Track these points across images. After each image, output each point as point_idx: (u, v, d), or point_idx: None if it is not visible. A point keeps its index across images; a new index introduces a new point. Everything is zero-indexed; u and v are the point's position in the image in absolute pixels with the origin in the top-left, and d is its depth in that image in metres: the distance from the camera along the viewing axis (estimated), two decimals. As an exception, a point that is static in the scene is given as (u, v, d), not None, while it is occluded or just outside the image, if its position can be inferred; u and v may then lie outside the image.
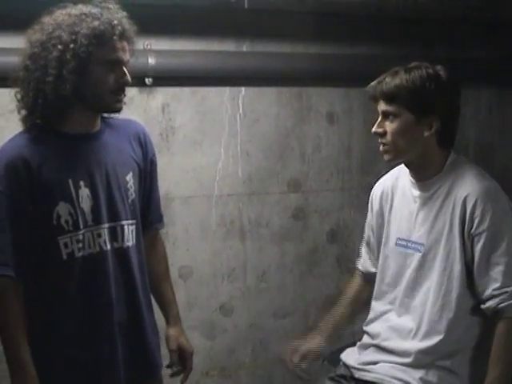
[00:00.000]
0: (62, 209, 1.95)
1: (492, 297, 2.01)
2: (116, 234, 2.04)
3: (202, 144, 3.18)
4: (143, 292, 2.11)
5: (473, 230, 2.02)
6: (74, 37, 1.90)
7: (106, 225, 2.02)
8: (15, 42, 2.72)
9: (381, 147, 2.13)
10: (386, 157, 2.13)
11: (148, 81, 2.95)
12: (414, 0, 3.20)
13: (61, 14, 1.96)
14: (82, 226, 1.97)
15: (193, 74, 3.12)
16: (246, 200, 3.31)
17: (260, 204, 3.35)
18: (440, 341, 2.05)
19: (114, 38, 1.94)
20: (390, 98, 2.06)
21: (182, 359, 2.25)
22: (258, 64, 3.22)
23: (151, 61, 2.89)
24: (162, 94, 3.08)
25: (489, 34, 3.62)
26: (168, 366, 2.26)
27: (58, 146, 1.98)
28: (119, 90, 2.00)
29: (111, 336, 2.03)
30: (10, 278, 1.92)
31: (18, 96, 2.01)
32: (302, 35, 3.31)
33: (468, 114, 3.74)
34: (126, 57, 2.00)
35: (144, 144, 2.16)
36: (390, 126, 2.07)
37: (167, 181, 3.00)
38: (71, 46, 1.90)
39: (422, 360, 2.07)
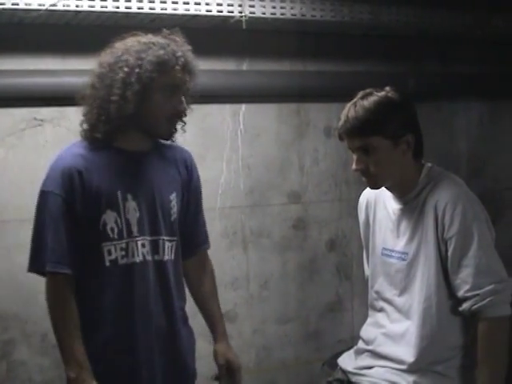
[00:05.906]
0: (109, 217, 2.04)
1: (465, 299, 2.02)
2: (158, 247, 2.11)
3: (205, 159, 3.27)
4: (178, 304, 2.19)
5: (444, 234, 2.03)
6: (139, 62, 2.01)
7: (149, 238, 2.10)
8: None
9: (363, 179, 2.14)
10: (371, 186, 2.17)
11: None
12: (405, 19, 3.30)
13: (131, 41, 2.08)
14: (125, 236, 2.06)
15: (195, 92, 3.21)
16: (247, 212, 3.41)
17: (261, 215, 3.44)
18: (427, 346, 2.08)
19: (177, 68, 2.06)
20: (361, 132, 2.05)
21: (231, 373, 2.29)
22: (257, 82, 3.32)
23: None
24: (166, 112, 3.20)
25: (479, 50, 3.72)
26: (216, 379, 2.31)
27: (110, 159, 2.08)
28: (174, 117, 2.10)
29: (149, 343, 2.09)
30: (66, 275, 2.01)
31: (83, 111, 2.10)
32: (299, 54, 3.42)
33: (459, 126, 3.84)
34: (186, 87, 2.11)
35: (190, 170, 2.25)
36: (371, 160, 2.07)
37: (172, 195, 3.11)
38: (136, 70, 2.00)
39: (415, 365, 2.10)
